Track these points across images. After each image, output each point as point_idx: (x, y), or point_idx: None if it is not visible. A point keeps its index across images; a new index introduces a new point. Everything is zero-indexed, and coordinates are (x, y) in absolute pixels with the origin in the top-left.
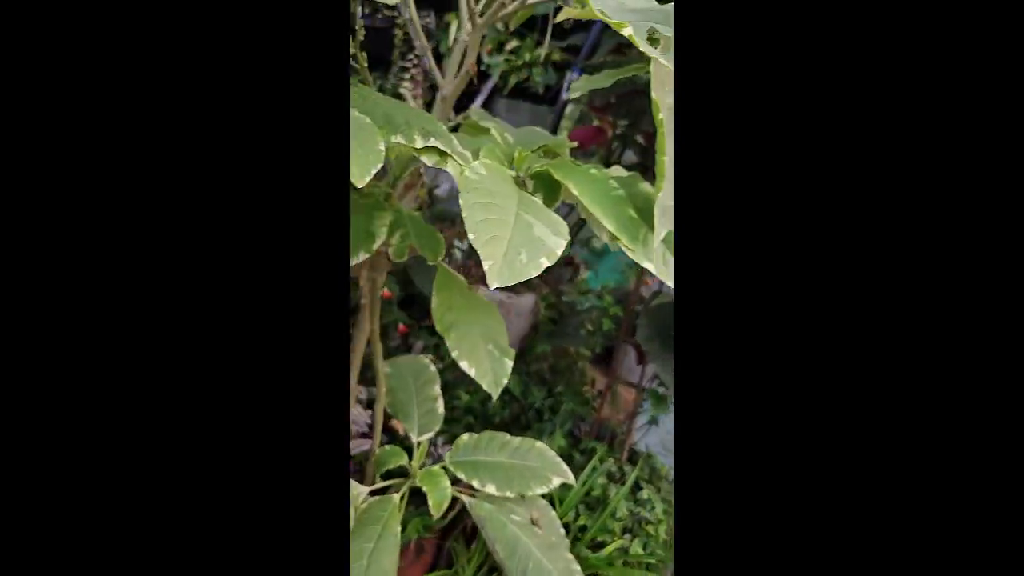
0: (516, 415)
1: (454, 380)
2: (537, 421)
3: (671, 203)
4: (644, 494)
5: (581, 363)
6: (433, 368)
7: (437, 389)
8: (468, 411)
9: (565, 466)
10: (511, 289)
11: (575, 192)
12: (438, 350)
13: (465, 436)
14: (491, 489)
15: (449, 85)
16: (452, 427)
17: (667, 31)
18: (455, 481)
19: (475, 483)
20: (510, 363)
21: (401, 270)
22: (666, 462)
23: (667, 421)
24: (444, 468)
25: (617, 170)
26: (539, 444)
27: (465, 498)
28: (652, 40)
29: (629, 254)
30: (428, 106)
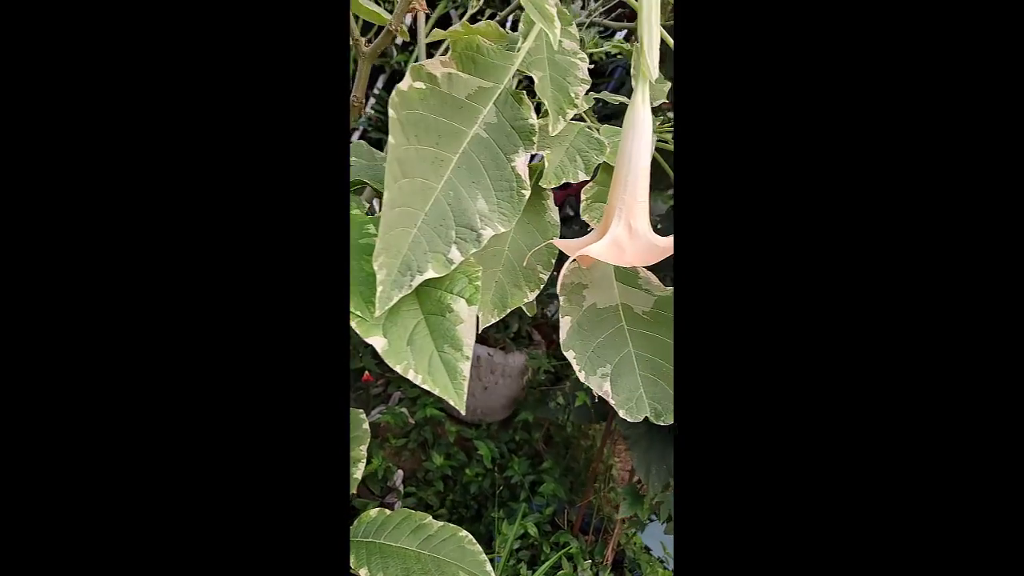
0: (498, 486)
1: (432, 439)
2: (513, 499)
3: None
4: None
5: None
6: (366, 426)
7: (362, 451)
8: (441, 477)
9: (488, 567)
10: (497, 344)
11: None
12: (416, 402)
13: (373, 512)
14: None
15: None
16: (421, 490)
17: None
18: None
19: (363, 572)
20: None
21: None
22: (667, 566)
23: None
24: None
25: None
26: (462, 533)
27: None
28: None
29: (353, 323)
30: None
